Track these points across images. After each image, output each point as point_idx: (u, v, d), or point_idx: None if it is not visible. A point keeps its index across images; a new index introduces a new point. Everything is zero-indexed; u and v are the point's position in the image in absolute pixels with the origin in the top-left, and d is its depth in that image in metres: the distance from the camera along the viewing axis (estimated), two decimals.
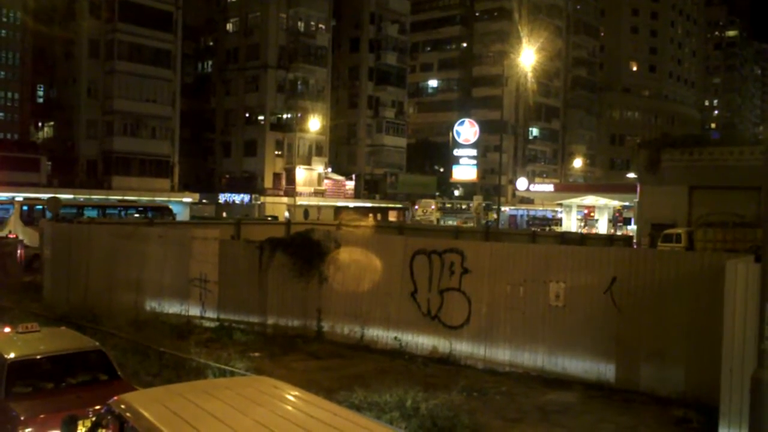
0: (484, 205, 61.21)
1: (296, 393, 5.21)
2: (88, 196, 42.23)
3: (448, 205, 67.98)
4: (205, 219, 39.16)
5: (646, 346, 10.94)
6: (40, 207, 30.20)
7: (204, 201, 55.39)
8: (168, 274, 16.37)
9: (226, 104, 61.12)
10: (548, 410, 9.96)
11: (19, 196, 33.95)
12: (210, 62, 63.66)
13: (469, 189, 74.11)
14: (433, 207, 61.99)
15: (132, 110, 49.83)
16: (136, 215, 34.59)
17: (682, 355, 10.56)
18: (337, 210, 59.32)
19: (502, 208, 67.33)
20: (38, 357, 7.98)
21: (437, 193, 72.89)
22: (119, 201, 40.37)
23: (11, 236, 27.06)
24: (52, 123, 53.89)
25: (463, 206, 69.27)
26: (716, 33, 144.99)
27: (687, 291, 10.52)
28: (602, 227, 59.38)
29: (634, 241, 34.20)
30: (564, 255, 12.12)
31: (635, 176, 38.28)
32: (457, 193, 77.30)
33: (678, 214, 31.55)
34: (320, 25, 61.33)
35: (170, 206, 41.04)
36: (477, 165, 71.41)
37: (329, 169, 63.40)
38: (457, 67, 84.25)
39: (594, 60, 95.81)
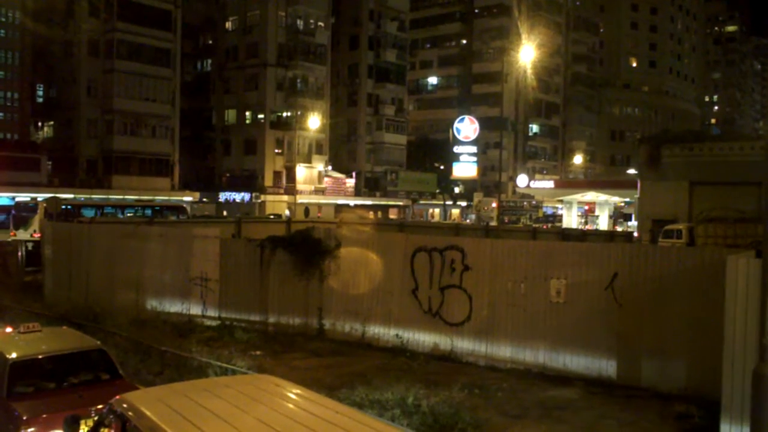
0: (534, 202, 61.47)
1: (298, 391, 5.21)
2: (103, 196, 42.76)
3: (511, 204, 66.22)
4: (205, 218, 39.21)
5: (647, 341, 10.94)
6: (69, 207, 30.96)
7: (204, 200, 55.37)
8: (169, 272, 16.38)
9: (226, 102, 61.11)
10: (550, 406, 9.97)
11: (41, 197, 34.17)
12: (209, 61, 63.64)
13: (470, 186, 74.08)
14: (494, 205, 59.93)
15: (132, 109, 49.85)
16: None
17: (683, 350, 10.56)
18: (338, 208, 59.38)
19: (545, 207, 67.53)
20: (40, 357, 7.99)
21: (438, 191, 72.87)
22: (136, 201, 40.81)
23: (36, 236, 27.18)
24: (51, 123, 53.90)
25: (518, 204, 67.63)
26: (716, 28, 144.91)
27: (688, 286, 10.52)
28: (603, 223, 59.37)
29: (635, 236, 34.19)
30: (565, 251, 12.10)
31: (636, 172, 38.30)
32: (457, 190, 77.28)
33: (679, 210, 31.58)
34: (319, 23, 61.30)
35: (185, 206, 41.42)
36: (477, 162, 71.36)
37: (329, 167, 63.40)
38: (457, 64, 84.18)
39: (594, 56, 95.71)
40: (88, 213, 31.92)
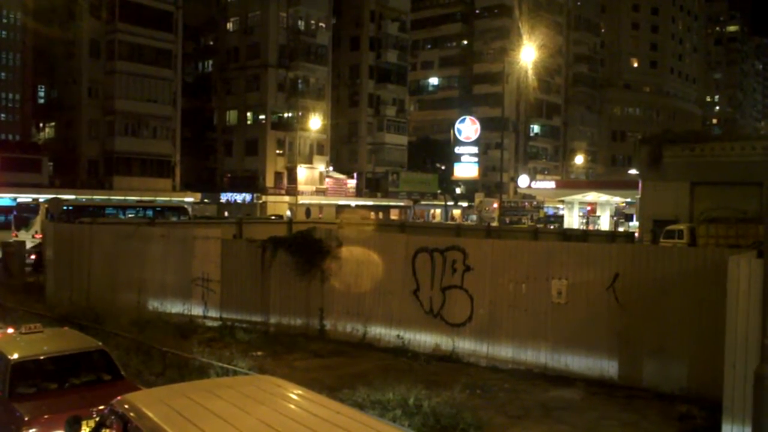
0: (535, 203, 61.41)
1: (299, 392, 5.21)
2: (105, 197, 42.86)
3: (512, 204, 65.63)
4: (207, 218, 39.25)
5: (648, 342, 10.93)
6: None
7: (206, 200, 55.40)
8: (170, 273, 16.39)
9: (227, 103, 61.14)
10: (551, 407, 9.97)
11: (42, 197, 34.24)
12: (210, 61, 63.67)
13: (471, 186, 74.07)
14: (495, 206, 58.56)
15: (133, 110, 49.87)
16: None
17: (684, 351, 10.55)
18: (339, 208, 59.36)
19: (546, 208, 67.59)
20: (42, 357, 8.01)
21: (439, 191, 72.86)
22: (137, 201, 40.90)
23: (37, 237, 27.26)
24: (53, 124, 53.97)
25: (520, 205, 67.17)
26: (717, 28, 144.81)
27: (689, 287, 10.50)
28: (604, 224, 59.30)
29: (637, 236, 34.15)
30: (566, 252, 12.08)
31: (637, 172, 38.23)
32: (458, 190, 77.31)
33: (680, 210, 31.50)
34: (320, 24, 61.32)
35: (186, 207, 41.51)
36: (478, 162, 71.39)
37: (330, 168, 63.41)
38: (458, 64, 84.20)
39: (595, 56, 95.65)
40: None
